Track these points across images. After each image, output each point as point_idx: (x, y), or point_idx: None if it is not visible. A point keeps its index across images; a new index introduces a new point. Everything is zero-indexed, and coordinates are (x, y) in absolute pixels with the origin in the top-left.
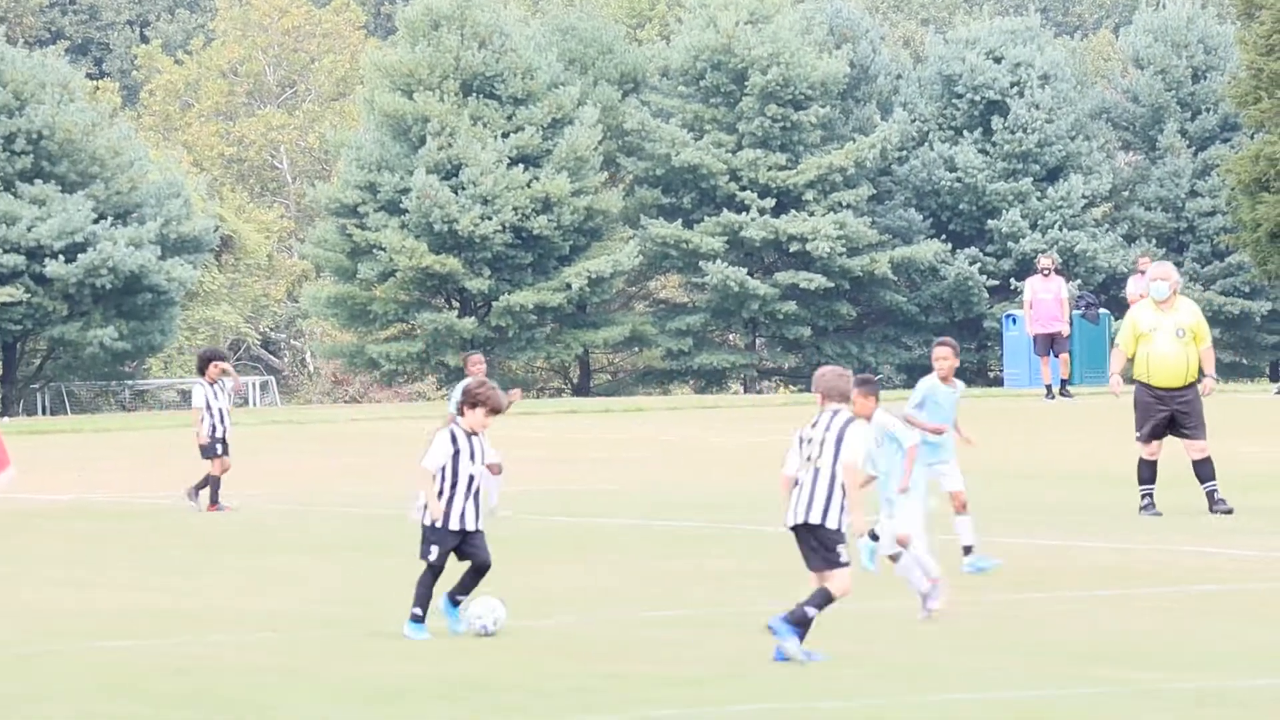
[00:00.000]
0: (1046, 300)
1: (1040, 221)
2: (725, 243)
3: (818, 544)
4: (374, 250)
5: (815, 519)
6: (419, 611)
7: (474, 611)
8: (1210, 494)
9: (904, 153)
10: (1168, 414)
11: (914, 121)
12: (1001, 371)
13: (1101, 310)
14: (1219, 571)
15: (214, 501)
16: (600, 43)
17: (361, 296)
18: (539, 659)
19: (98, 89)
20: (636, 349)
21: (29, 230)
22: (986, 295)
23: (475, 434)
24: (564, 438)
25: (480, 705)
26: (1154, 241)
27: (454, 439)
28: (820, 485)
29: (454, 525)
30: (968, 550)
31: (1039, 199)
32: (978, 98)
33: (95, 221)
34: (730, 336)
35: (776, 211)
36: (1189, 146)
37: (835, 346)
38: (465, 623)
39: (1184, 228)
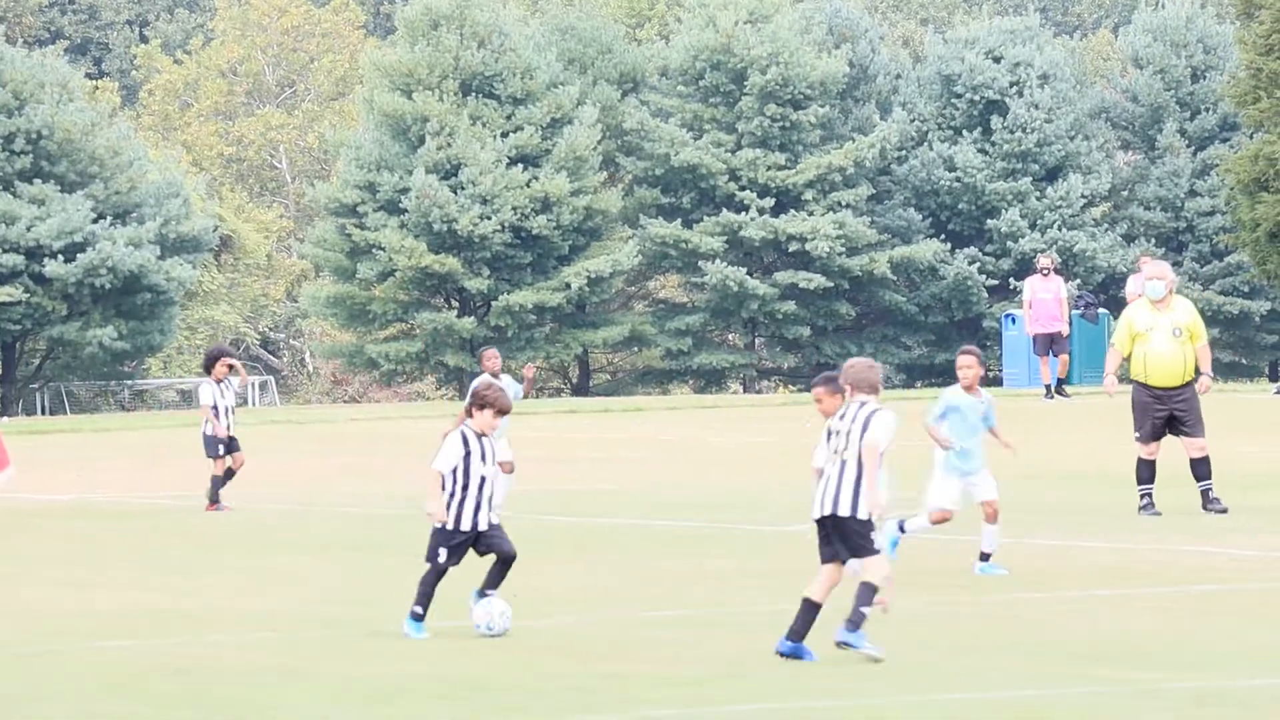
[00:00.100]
0: (1046, 300)
1: (1039, 221)
2: (724, 242)
3: (847, 535)
4: (373, 250)
5: (844, 511)
6: (419, 610)
7: (483, 612)
8: (1205, 493)
9: (903, 152)
10: (1166, 413)
11: (913, 121)
12: (1001, 371)
13: (1101, 310)
14: (1219, 571)
15: (213, 501)
16: (599, 42)
17: (361, 296)
18: (539, 659)
19: (97, 89)
20: (636, 349)
21: (28, 230)
22: (986, 295)
23: (485, 435)
24: (563, 437)
25: (480, 705)
26: (1153, 241)
27: (465, 441)
28: (848, 477)
29: (465, 526)
30: (985, 557)
31: (1038, 199)
32: (977, 97)
33: (94, 221)
34: (729, 336)
35: (776, 211)
36: (1188, 146)
37: (835, 346)
38: (484, 623)
39: (1183, 227)
